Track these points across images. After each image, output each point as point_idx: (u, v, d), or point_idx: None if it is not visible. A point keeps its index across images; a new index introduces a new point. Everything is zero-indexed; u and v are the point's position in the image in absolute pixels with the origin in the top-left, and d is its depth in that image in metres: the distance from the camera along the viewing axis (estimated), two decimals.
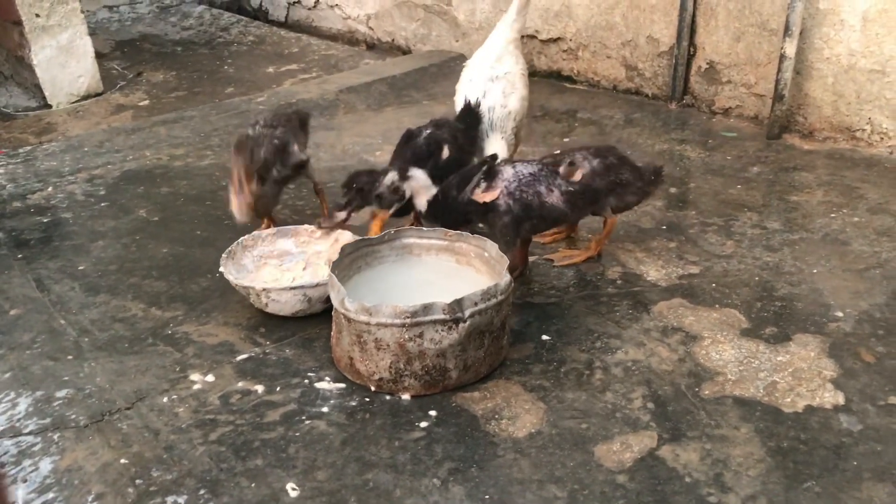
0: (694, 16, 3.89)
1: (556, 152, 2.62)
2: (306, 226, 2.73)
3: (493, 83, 2.99)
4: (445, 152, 2.72)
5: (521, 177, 2.47)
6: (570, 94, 4.46)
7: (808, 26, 3.48)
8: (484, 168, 2.50)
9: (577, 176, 2.47)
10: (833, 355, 2.20)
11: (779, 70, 3.55)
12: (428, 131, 2.76)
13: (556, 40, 4.58)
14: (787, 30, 3.47)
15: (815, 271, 2.62)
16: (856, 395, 2.05)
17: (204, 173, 3.52)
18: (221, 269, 2.46)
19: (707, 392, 2.09)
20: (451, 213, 2.51)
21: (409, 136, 2.78)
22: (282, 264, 2.67)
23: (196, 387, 2.17)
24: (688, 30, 3.92)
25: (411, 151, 2.71)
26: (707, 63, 3.95)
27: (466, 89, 3.02)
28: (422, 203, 2.56)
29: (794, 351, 2.23)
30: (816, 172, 3.32)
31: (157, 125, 4.01)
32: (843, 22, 3.40)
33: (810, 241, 2.80)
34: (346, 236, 2.60)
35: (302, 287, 2.37)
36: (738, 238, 2.84)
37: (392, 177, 2.54)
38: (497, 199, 2.44)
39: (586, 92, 4.47)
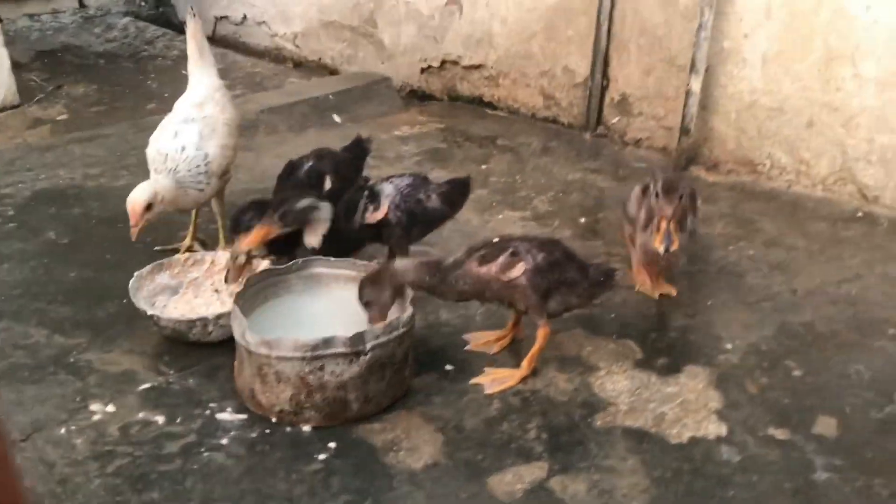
0: (608, 49, 4.02)
1: (494, 240, 2.35)
2: (177, 256, 2.76)
3: (186, 125, 2.79)
4: (328, 183, 2.77)
5: (401, 189, 2.63)
6: (490, 121, 4.54)
7: (713, 63, 3.64)
8: (366, 192, 2.62)
9: (517, 271, 2.25)
10: (720, 387, 2.31)
11: (685, 104, 3.69)
12: (310, 163, 2.82)
13: (477, 67, 4.67)
14: (693, 66, 3.62)
15: (709, 303, 2.74)
16: (738, 426, 2.16)
17: (118, 195, 3.45)
18: (151, 313, 2.44)
19: (599, 422, 2.17)
20: (346, 241, 2.60)
21: (290, 168, 2.83)
22: (168, 300, 2.64)
23: (96, 417, 2.16)
24: (601, 63, 4.05)
25: (294, 183, 2.75)
26: (620, 95, 4.08)
27: (155, 135, 2.82)
28: (316, 239, 2.59)
29: (683, 382, 2.33)
30: (718, 205, 3.46)
31: (72, 143, 3.96)
32: (745, 61, 3.56)
33: (707, 273, 2.93)
34: (221, 259, 2.68)
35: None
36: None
37: (309, 201, 2.57)
38: (387, 215, 2.58)
39: (506, 119, 4.56)
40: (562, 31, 4.21)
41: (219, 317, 2.40)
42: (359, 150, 3.01)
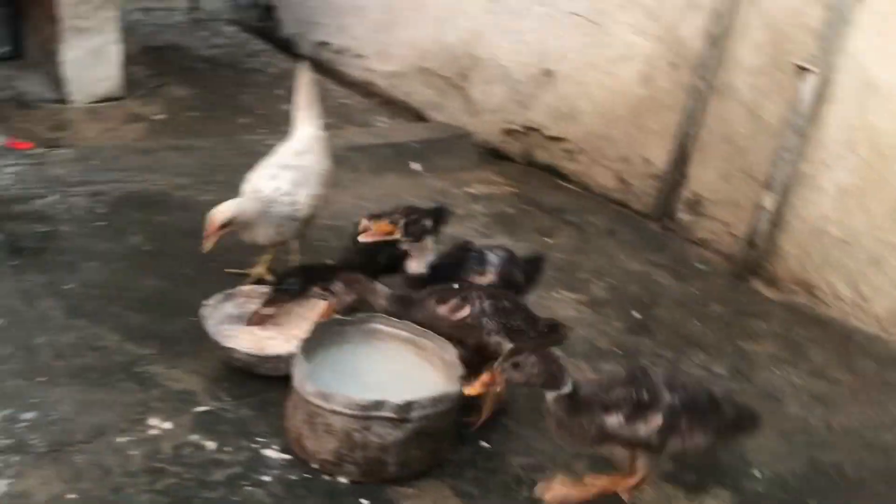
0: (688, 148, 4.12)
1: (454, 286, 2.56)
2: (242, 287, 2.89)
3: (284, 170, 2.97)
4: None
5: (502, 263, 2.75)
6: (562, 193, 4.66)
7: (790, 184, 3.71)
8: (473, 254, 2.76)
9: (463, 313, 2.46)
10: None
11: (756, 217, 3.77)
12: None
13: (559, 139, 4.80)
14: (769, 184, 3.70)
15: None
16: None
17: (202, 209, 3.64)
18: (228, 344, 2.59)
19: None
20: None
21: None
22: (236, 330, 2.76)
23: (153, 432, 2.32)
24: (681, 159, 4.14)
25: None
26: (693, 194, 4.16)
27: (255, 174, 2.99)
28: (420, 266, 2.69)
29: (707, 503, 2.40)
30: (771, 323, 3.52)
31: (166, 150, 4.18)
32: (822, 188, 3.62)
33: (749, 393, 2.98)
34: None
35: None
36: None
37: (427, 222, 2.70)
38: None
39: (577, 193, 4.67)
40: (646, 122, 4.32)
41: (292, 356, 2.54)
42: (438, 217, 3.11)
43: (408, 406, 2.20)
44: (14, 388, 2.38)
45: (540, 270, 2.95)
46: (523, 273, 2.85)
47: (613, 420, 2.07)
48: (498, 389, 2.32)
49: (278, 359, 2.56)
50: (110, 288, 2.97)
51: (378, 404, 2.19)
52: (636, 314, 3.45)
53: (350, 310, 2.49)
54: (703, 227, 4.14)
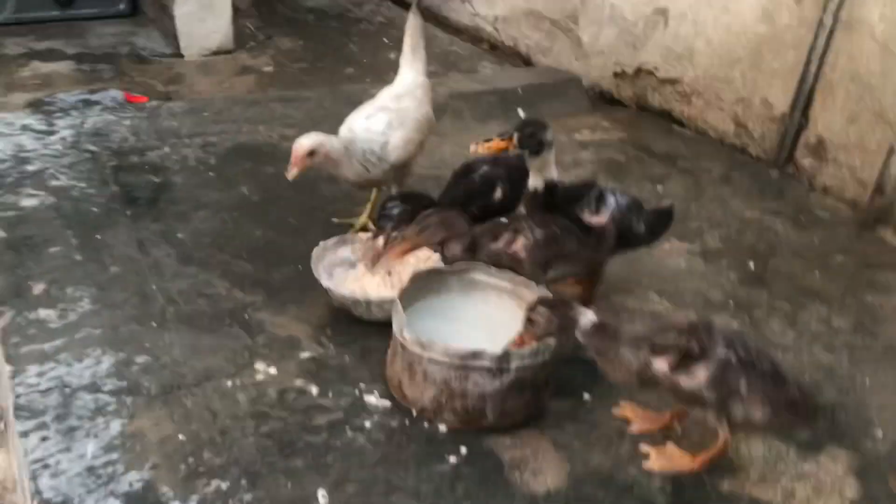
0: (812, 89, 3.86)
1: (502, 220, 2.59)
2: (360, 234, 2.91)
3: (379, 111, 2.95)
4: (498, 193, 2.81)
5: (621, 206, 2.66)
6: (675, 138, 4.47)
7: None
8: (594, 192, 2.67)
9: (519, 244, 2.49)
10: (860, 476, 2.24)
11: (886, 161, 3.50)
12: (485, 168, 2.84)
13: (672, 81, 4.59)
14: None
15: (867, 382, 2.63)
16: None
17: None
18: (326, 284, 2.63)
19: (726, 487, 2.16)
20: (559, 213, 2.64)
21: (466, 170, 2.88)
22: (346, 273, 2.82)
23: (259, 377, 2.37)
24: (803, 101, 3.89)
25: (466, 185, 2.83)
26: (816, 137, 3.91)
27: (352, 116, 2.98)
28: (538, 182, 2.64)
29: (822, 462, 2.28)
30: None
31: (274, 101, 4.24)
32: None
33: (872, 349, 2.80)
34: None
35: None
36: (800, 330, 2.87)
37: (549, 134, 2.61)
38: (605, 225, 2.61)
39: (691, 138, 4.48)
40: (767, 62, 4.07)
41: (381, 301, 2.56)
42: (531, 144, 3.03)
43: (506, 356, 2.17)
44: (128, 332, 2.48)
45: (666, 225, 2.83)
46: (646, 224, 2.74)
47: (661, 364, 2.02)
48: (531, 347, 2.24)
49: (369, 303, 2.58)
50: (220, 237, 3.05)
51: (476, 354, 2.17)
52: (752, 265, 3.28)
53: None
54: (827, 172, 3.89)
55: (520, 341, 2.19)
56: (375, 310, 2.58)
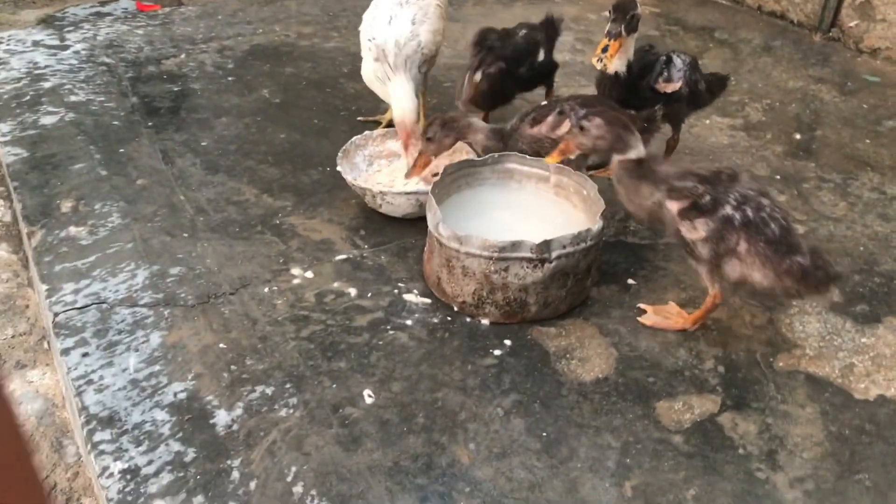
0: None
1: (542, 103, 2.55)
2: (377, 132, 2.82)
3: (401, 8, 2.74)
4: (541, 55, 2.83)
5: (687, 67, 2.63)
6: (710, 9, 4.25)
7: None
8: (663, 58, 2.63)
9: (565, 127, 2.40)
10: None
11: None
12: (525, 31, 2.87)
13: None
14: None
15: None
16: None
17: (328, 56, 3.59)
18: (339, 168, 2.58)
19: (781, 364, 2.11)
20: (628, 95, 2.61)
21: (483, 35, 2.86)
22: (390, 164, 2.76)
23: (295, 281, 2.33)
24: None
25: (512, 48, 2.83)
26: None
27: (370, 16, 2.77)
28: (621, 65, 2.58)
29: (880, 334, 2.20)
30: None
31: None
32: None
33: None
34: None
35: (416, 193, 2.48)
36: (852, 200, 2.75)
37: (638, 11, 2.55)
38: (679, 88, 2.61)
39: (728, 8, 4.25)
40: None
41: (384, 194, 2.50)
42: (551, 29, 2.93)
43: (546, 245, 2.09)
44: (160, 244, 2.44)
45: (723, 88, 2.79)
46: (706, 84, 2.71)
47: (672, 206, 2.02)
48: (572, 157, 2.25)
49: (373, 193, 2.52)
50: (244, 142, 2.97)
51: (515, 245, 2.09)
52: (798, 136, 3.14)
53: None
54: (874, 33, 3.67)
55: (565, 148, 2.17)
56: (384, 203, 2.52)
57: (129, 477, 1.72)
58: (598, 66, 2.55)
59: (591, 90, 2.76)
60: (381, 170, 2.75)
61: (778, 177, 2.87)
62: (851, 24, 3.75)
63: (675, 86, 2.60)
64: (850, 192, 2.79)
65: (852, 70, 3.62)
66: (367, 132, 2.77)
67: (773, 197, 2.04)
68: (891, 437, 1.91)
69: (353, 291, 2.30)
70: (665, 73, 2.60)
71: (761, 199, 1.98)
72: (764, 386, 2.04)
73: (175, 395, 1.93)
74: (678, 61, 2.63)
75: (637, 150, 2.08)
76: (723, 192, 1.98)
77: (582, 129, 2.11)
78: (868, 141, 3.09)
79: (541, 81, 2.97)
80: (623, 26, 2.48)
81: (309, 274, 2.36)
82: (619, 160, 2.10)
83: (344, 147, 2.66)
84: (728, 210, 1.96)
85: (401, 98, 2.61)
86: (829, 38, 3.84)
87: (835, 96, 3.41)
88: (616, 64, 2.55)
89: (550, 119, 2.45)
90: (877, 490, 1.79)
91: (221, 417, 1.88)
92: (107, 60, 3.51)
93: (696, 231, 1.99)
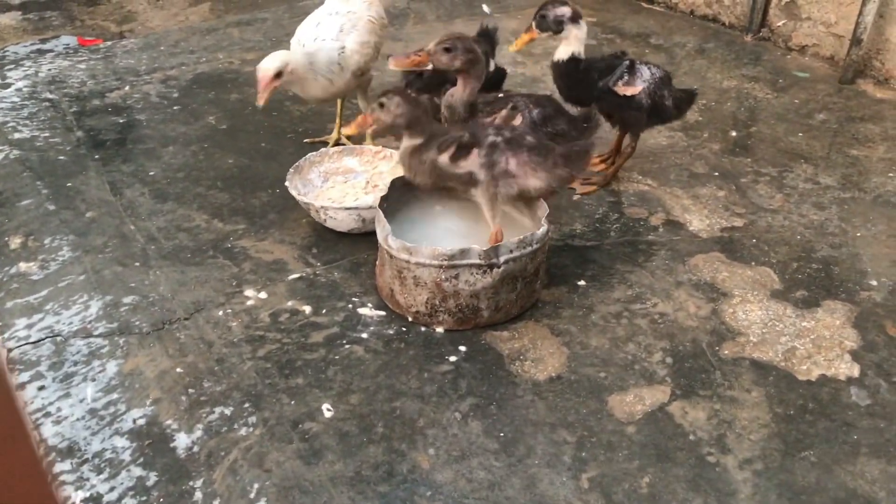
0: None
1: (499, 95, 2.62)
2: (371, 146, 2.85)
3: (330, 17, 2.86)
4: (492, 66, 2.85)
5: (654, 78, 2.69)
6: (645, 16, 4.37)
7: None
8: (627, 62, 2.69)
9: (518, 121, 2.48)
10: (858, 325, 2.26)
11: (860, 12, 3.42)
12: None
13: None
14: None
15: (858, 234, 2.63)
16: (871, 369, 2.11)
17: None
18: (287, 183, 2.61)
19: (726, 352, 2.18)
20: (581, 94, 2.71)
21: None
22: (346, 181, 2.80)
23: (249, 302, 2.35)
24: None
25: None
26: None
27: (301, 26, 2.89)
28: (564, 52, 2.70)
29: (820, 318, 2.29)
30: (883, 125, 3.25)
31: (230, 26, 4.11)
32: None
33: (861, 201, 2.79)
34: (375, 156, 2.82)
35: (357, 209, 2.52)
36: (788, 192, 2.85)
37: (565, 10, 2.68)
38: (636, 95, 2.66)
39: (662, 14, 4.37)
40: None
41: (326, 209, 2.55)
42: (488, 39, 2.99)
43: (494, 251, 2.14)
44: (112, 274, 2.45)
45: (690, 104, 2.83)
46: (673, 101, 2.75)
47: (444, 158, 2.20)
48: (369, 131, 2.35)
49: (315, 207, 2.56)
50: (192, 170, 2.99)
51: (464, 252, 2.14)
52: (734, 133, 3.24)
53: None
54: (802, 31, 3.81)
55: (362, 121, 2.26)
56: (328, 218, 2.57)
57: None
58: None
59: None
60: (335, 186, 2.78)
61: (716, 173, 2.96)
62: (779, 24, 3.89)
63: (634, 89, 2.66)
64: (785, 184, 2.89)
65: (783, 67, 3.75)
66: (322, 149, 2.81)
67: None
68: (833, 414, 1.99)
69: (307, 309, 2.33)
70: (625, 77, 2.67)
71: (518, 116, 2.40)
72: (711, 374, 2.11)
73: (134, 421, 1.94)
74: (645, 71, 2.69)
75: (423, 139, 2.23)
76: (476, 129, 2.24)
77: (382, 105, 2.21)
78: (801, 134, 3.21)
79: (491, 90, 3.01)
80: (533, 22, 2.69)
81: (263, 295, 2.38)
82: (406, 146, 2.24)
83: (297, 163, 2.70)
84: (491, 138, 2.20)
85: (271, 56, 2.68)
86: (760, 39, 3.98)
87: (767, 93, 3.53)
88: (560, 52, 2.70)
89: (505, 113, 2.51)
90: (822, 465, 1.86)
91: (182, 440, 1.89)
92: (50, 96, 3.50)
93: (471, 161, 2.19)
